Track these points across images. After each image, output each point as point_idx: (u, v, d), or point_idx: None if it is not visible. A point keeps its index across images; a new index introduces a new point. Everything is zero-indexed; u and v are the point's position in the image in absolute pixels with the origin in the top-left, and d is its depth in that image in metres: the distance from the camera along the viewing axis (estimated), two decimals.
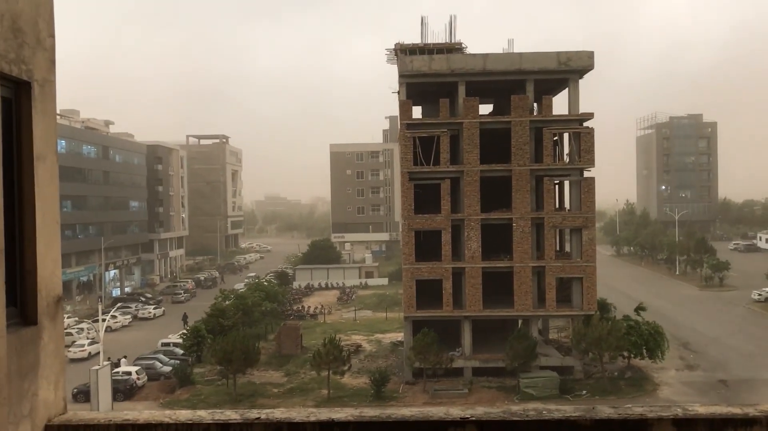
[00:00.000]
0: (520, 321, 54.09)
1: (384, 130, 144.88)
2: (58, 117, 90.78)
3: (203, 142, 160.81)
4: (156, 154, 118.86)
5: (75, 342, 61.66)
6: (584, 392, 46.32)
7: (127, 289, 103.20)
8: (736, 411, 3.32)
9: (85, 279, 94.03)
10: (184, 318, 69.33)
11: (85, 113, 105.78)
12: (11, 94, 3.52)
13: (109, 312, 63.43)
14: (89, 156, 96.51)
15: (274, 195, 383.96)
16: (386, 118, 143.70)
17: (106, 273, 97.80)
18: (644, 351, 49.54)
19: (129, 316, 77.78)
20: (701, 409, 3.38)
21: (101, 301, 74.84)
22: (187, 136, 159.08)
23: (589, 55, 50.49)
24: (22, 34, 3.50)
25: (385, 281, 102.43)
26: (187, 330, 58.10)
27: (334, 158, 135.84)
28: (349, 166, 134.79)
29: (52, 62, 3.89)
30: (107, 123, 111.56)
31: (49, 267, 3.86)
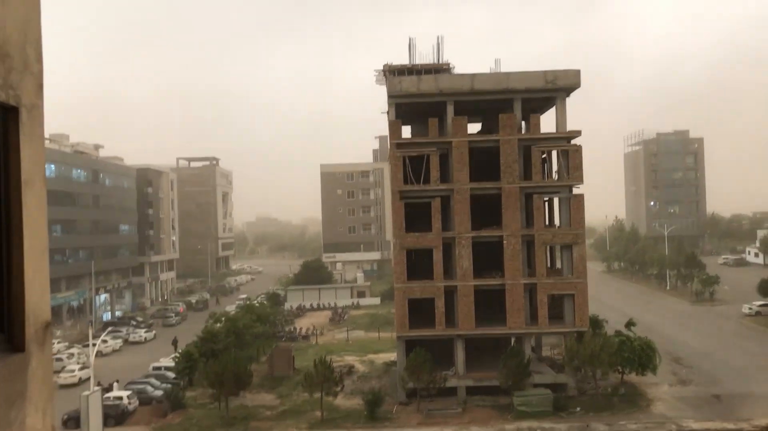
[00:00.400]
0: (513, 339, 53.99)
1: (374, 150, 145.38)
2: (46, 141, 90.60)
3: (194, 164, 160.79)
4: (146, 177, 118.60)
5: (65, 367, 60.97)
6: (578, 409, 46.14)
7: (117, 313, 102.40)
8: (730, 426, 3.32)
9: (75, 303, 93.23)
10: (174, 342, 68.81)
11: (75, 137, 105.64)
12: None
13: (99, 337, 62.86)
14: (79, 180, 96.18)
15: (265, 216, 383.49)
16: (376, 137, 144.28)
17: (97, 297, 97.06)
18: (637, 366, 49.56)
19: (120, 340, 77.11)
20: (695, 425, 3.39)
21: (92, 326, 74.16)
22: (177, 159, 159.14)
23: (576, 74, 50.94)
24: (10, 60, 3.50)
25: (377, 300, 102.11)
26: (178, 353, 57.65)
27: (324, 178, 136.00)
28: (340, 185, 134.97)
29: (40, 87, 3.89)
30: (97, 147, 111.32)
31: (38, 293, 3.83)
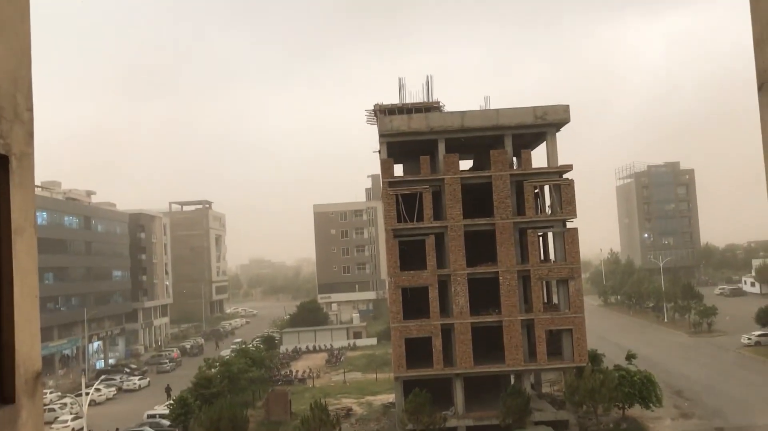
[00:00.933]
0: (512, 376, 53.50)
1: (367, 189, 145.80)
2: (38, 189, 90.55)
3: (186, 208, 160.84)
4: (138, 222, 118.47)
5: (58, 418, 59.94)
6: None
7: (111, 361, 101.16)
8: None
9: (68, 352, 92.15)
10: (168, 390, 67.74)
11: (67, 184, 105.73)
12: None
13: (92, 386, 61.94)
14: (71, 227, 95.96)
15: (258, 258, 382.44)
16: (368, 176, 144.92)
17: (90, 344, 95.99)
18: (638, 400, 49.10)
19: (114, 388, 76.02)
20: None
21: (85, 374, 73.12)
22: (170, 203, 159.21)
23: (565, 109, 51.52)
24: (0, 109, 3.50)
25: (373, 341, 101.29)
26: (172, 401, 56.82)
27: (318, 218, 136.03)
28: (334, 225, 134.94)
29: (30, 135, 3.88)
30: (89, 193, 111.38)
31: (28, 343, 3.77)
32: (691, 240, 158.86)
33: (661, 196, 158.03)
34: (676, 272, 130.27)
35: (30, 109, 4.09)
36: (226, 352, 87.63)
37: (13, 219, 3.67)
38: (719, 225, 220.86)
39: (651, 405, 48.86)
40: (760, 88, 4.10)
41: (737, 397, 55.44)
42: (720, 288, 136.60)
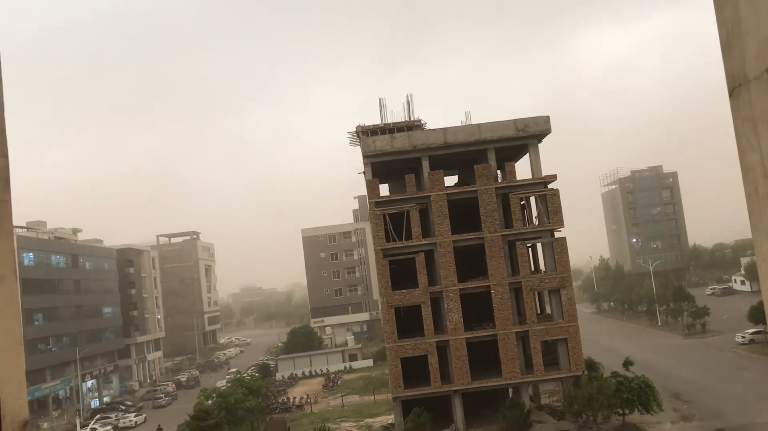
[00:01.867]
0: (510, 389, 53.32)
1: (354, 210, 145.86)
2: (24, 230, 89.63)
3: (174, 239, 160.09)
4: (127, 257, 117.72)
5: None
6: None
7: (106, 398, 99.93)
8: None
9: (61, 392, 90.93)
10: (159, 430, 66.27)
11: (53, 223, 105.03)
12: None
13: (88, 425, 61.13)
14: (58, 266, 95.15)
15: (249, 286, 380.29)
16: (355, 198, 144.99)
17: (83, 384, 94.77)
18: (637, 405, 49.00)
19: (110, 427, 74.96)
20: None
21: (80, 415, 72.25)
22: (158, 236, 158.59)
23: (545, 120, 51.93)
24: None
25: (369, 362, 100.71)
26: None
27: (306, 242, 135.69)
28: (323, 248, 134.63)
29: (7, 182, 3.85)
30: (75, 231, 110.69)
31: (14, 392, 3.71)
32: (679, 243, 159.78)
33: (647, 201, 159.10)
34: (666, 275, 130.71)
35: (5, 155, 4.07)
36: (221, 383, 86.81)
37: None
38: (706, 225, 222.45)
39: (651, 409, 48.74)
40: (730, 94, 4.15)
41: (735, 396, 55.48)
42: (711, 289, 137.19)
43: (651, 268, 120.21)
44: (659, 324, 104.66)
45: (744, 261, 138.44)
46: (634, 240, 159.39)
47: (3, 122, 4.11)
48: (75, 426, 59.44)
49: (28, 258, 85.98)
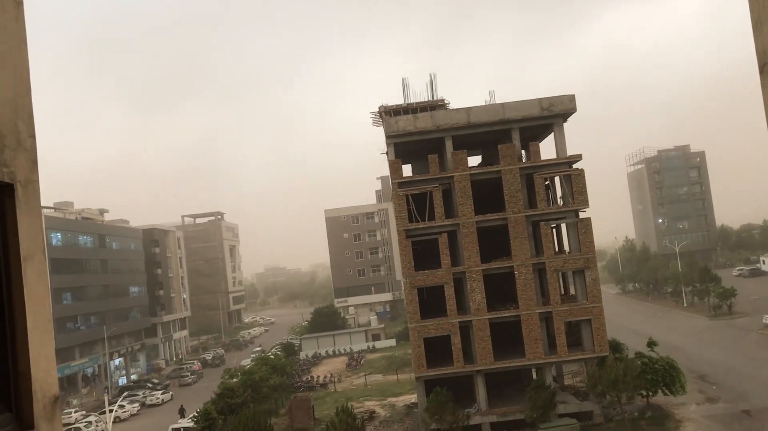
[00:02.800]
0: (533, 370, 53.31)
1: (377, 191, 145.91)
2: (52, 210, 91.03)
3: (199, 220, 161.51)
4: (152, 238, 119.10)
5: None
6: None
7: (133, 377, 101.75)
8: None
9: (90, 370, 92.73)
10: (181, 411, 66.16)
11: (80, 204, 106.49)
12: None
13: (116, 402, 62.31)
14: (86, 246, 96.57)
15: (273, 266, 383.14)
16: (378, 178, 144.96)
17: (111, 362, 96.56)
18: (662, 387, 48.74)
19: (137, 404, 76.42)
20: None
21: (108, 392, 73.63)
22: (183, 216, 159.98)
23: (571, 99, 51.29)
24: (2, 138, 3.53)
25: (392, 342, 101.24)
26: (196, 413, 57.01)
27: (329, 223, 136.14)
28: (346, 229, 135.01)
29: (34, 162, 3.91)
30: (102, 211, 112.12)
31: (44, 368, 3.79)
32: (706, 223, 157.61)
33: (673, 181, 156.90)
34: (692, 256, 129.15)
35: (32, 136, 4.12)
36: (246, 361, 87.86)
37: (21, 247, 3.70)
38: (734, 206, 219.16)
39: (675, 391, 48.46)
40: (761, 70, 4.05)
41: (762, 378, 54.91)
42: (738, 270, 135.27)
43: (677, 249, 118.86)
44: (685, 305, 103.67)
45: None
46: (660, 220, 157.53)
47: (30, 104, 4.16)
48: (103, 402, 60.62)
49: (56, 238, 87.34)
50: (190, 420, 58.36)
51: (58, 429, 3.90)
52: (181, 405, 67.72)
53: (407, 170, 59.75)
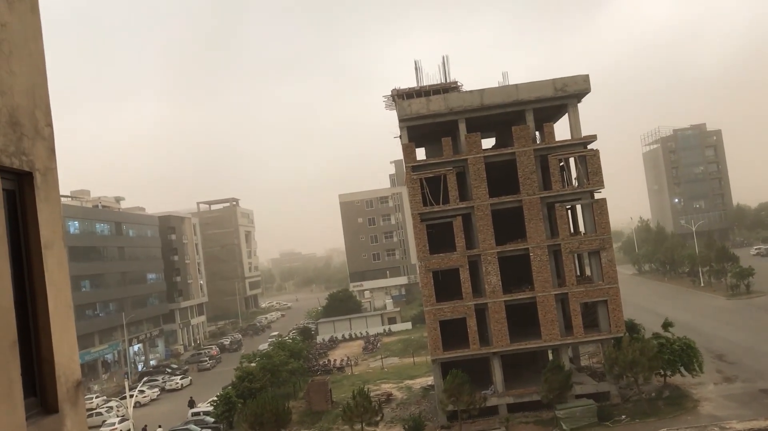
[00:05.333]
0: (550, 352, 53.33)
1: (390, 175, 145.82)
2: (69, 199, 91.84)
3: (214, 206, 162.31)
4: (169, 224, 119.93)
5: (105, 421, 61.26)
6: (623, 417, 45.29)
7: (152, 362, 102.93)
8: None
9: (110, 356, 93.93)
10: (191, 403, 64.56)
11: (96, 192, 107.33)
12: (14, 186, 3.57)
13: (136, 388, 63.11)
14: (103, 233, 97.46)
15: (288, 251, 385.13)
16: (391, 162, 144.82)
17: (130, 348, 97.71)
18: (679, 367, 48.61)
19: (157, 389, 77.34)
20: (738, 426, 3.29)
21: (128, 377, 74.61)
22: (198, 203, 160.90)
23: (585, 79, 50.83)
24: (20, 127, 3.57)
25: (408, 325, 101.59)
26: (216, 397, 57.61)
27: (344, 208, 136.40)
28: (360, 214, 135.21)
29: (52, 150, 3.95)
30: (118, 199, 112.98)
31: (66, 353, 3.86)
32: (722, 202, 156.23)
33: (689, 160, 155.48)
34: (709, 235, 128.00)
35: (50, 125, 4.16)
36: (264, 346, 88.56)
37: (42, 235, 3.75)
38: (751, 184, 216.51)
39: (692, 371, 48.32)
40: None
41: None
42: (756, 249, 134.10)
43: (694, 228, 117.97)
44: (702, 285, 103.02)
45: None
46: (676, 200, 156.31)
47: (47, 94, 4.20)
48: (124, 388, 61.41)
49: (74, 226, 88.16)
50: (209, 404, 58.97)
51: (81, 413, 3.98)
52: (191, 397, 66.76)
53: (421, 153, 59.60)
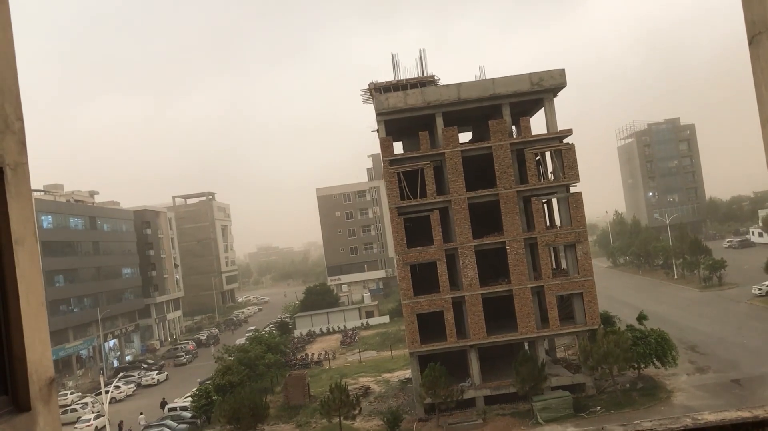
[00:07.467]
0: (526, 344, 53.78)
1: (368, 169, 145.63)
2: (41, 193, 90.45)
3: (190, 200, 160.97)
4: (144, 219, 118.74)
5: (80, 418, 60.62)
6: (599, 408, 45.86)
7: (128, 358, 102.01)
8: (746, 414, 3.28)
9: (84, 352, 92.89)
10: (162, 404, 62.22)
11: (70, 186, 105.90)
12: None
13: (112, 383, 62.53)
14: (77, 228, 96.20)
15: (266, 245, 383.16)
16: (369, 156, 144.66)
17: (106, 343, 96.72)
18: (653, 360, 49.31)
19: (133, 385, 76.74)
20: (710, 417, 3.34)
21: (103, 373, 73.81)
22: (174, 197, 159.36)
23: (561, 73, 51.16)
24: None
25: (386, 319, 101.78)
26: (195, 391, 57.28)
27: (321, 202, 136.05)
28: (338, 207, 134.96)
29: (23, 144, 3.88)
30: (92, 193, 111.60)
31: (39, 350, 3.80)
32: (696, 196, 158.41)
33: (663, 154, 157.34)
34: (682, 228, 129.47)
35: (20, 119, 4.08)
36: (241, 341, 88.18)
37: (12, 230, 3.68)
38: (723, 178, 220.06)
39: (666, 364, 49.04)
40: (750, 42, 4.06)
41: (751, 348, 55.62)
42: (728, 241, 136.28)
43: (667, 222, 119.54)
44: (675, 277, 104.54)
45: (762, 213, 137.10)
46: (651, 193, 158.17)
47: (17, 86, 4.12)
48: (99, 384, 60.80)
49: (47, 221, 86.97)
50: (185, 399, 58.64)
51: (54, 411, 3.92)
52: (163, 398, 64.93)
53: (398, 147, 59.63)
